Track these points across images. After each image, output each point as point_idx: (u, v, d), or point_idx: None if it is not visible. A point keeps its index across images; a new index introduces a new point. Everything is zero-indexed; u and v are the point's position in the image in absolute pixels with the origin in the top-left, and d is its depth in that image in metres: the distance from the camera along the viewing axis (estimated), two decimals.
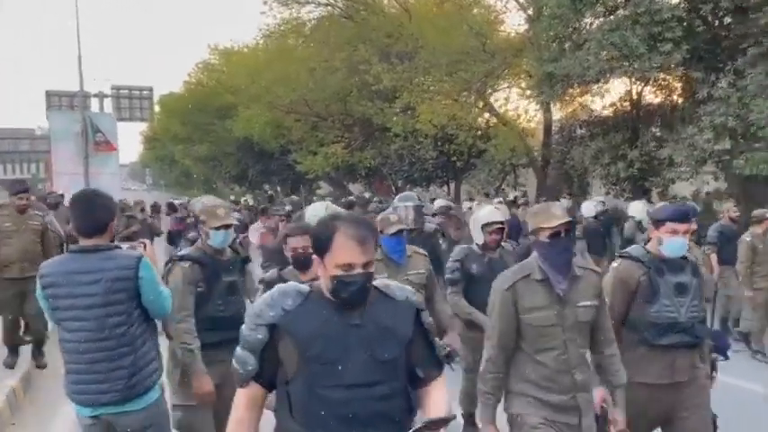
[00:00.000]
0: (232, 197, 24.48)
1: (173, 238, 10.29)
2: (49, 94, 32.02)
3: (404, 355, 2.05)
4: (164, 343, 3.53)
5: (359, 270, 1.96)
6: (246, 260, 4.08)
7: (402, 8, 17.48)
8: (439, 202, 10.25)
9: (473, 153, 18.11)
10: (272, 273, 3.87)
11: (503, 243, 4.83)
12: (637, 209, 9.54)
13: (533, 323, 2.89)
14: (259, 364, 2.01)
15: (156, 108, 38.32)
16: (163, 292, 3.18)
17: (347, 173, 28.12)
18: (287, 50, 20.45)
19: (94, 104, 31.11)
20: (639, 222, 9.00)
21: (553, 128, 16.51)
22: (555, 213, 2.96)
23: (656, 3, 11.66)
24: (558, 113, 15.89)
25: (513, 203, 12.32)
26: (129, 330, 3.04)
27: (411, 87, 16.19)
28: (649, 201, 13.35)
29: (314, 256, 2.07)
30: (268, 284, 3.57)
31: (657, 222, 3.33)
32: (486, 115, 17.85)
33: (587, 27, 12.98)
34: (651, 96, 14.19)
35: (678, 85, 12.91)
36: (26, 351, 6.65)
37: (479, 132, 17.83)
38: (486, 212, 4.82)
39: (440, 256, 6.04)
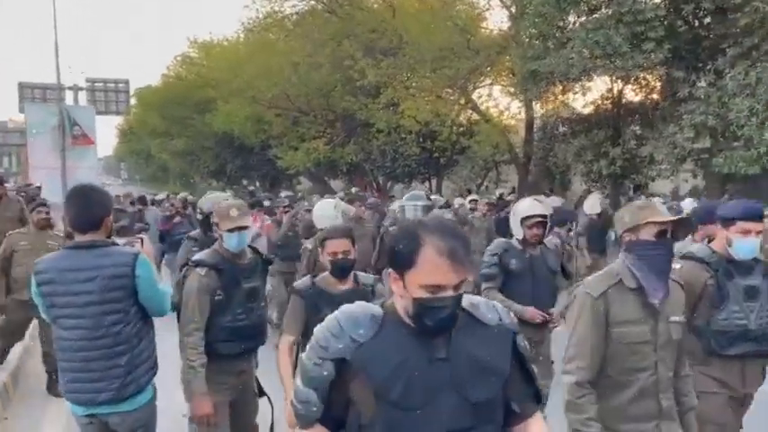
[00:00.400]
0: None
1: (162, 238, 9.94)
2: (22, 86, 31.35)
3: (500, 393, 1.73)
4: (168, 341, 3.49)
5: (449, 293, 1.62)
6: (268, 262, 3.80)
7: (386, 3, 17.48)
8: (434, 199, 10.36)
9: (456, 149, 18.20)
10: (305, 280, 3.41)
11: (545, 239, 4.36)
12: (589, 204, 9.38)
13: (625, 339, 2.48)
14: (325, 405, 1.68)
15: (133, 101, 37.80)
16: (160, 290, 3.10)
17: (328, 168, 28.07)
18: (269, 44, 20.33)
19: (69, 97, 30.56)
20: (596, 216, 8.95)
21: (535, 125, 16.67)
22: (659, 208, 2.59)
23: (639, 2, 11.86)
24: (540, 111, 16.04)
25: (499, 200, 12.37)
26: (125, 329, 2.99)
27: (395, 83, 16.22)
28: (629, 198, 13.63)
29: (389, 271, 1.71)
30: (298, 293, 3.33)
31: (726, 221, 3.02)
32: (470, 112, 17.95)
33: (571, 25, 13.13)
34: (632, 95, 14.42)
35: (659, 84, 13.11)
36: (15, 348, 6.56)
37: (462, 129, 17.93)
38: (525, 205, 4.31)
39: None
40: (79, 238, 3.06)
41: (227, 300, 3.37)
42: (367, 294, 3.22)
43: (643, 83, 13.90)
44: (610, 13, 12.02)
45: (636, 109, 14.31)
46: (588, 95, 14.76)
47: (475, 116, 17.92)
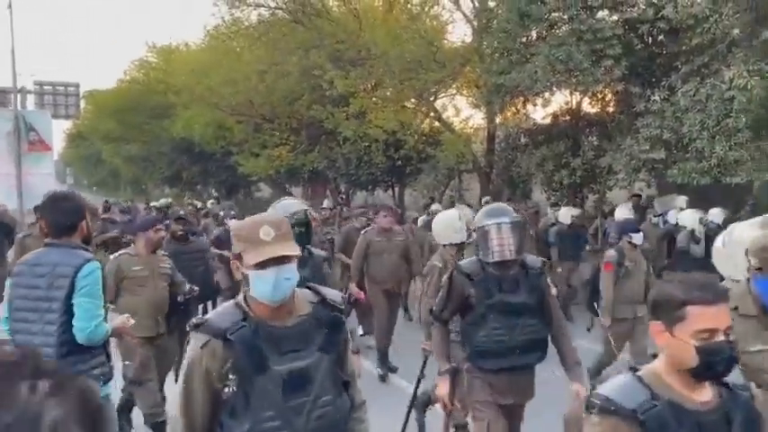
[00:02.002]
0: (189, 201, 23.45)
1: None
2: None
3: None
4: None
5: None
6: (345, 310, 2.30)
7: (351, 14, 17.78)
8: (435, 207, 10.58)
9: (422, 158, 18.63)
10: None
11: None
12: (690, 218, 9.08)
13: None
14: None
15: (83, 104, 37.01)
16: (93, 315, 2.93)
17: (289, 175, 28.15)
18: (234, 52, 20.35)
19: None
20: (692, 232, 8.73)
21: (498, 136, 17.22)
22: None
23: (599, 21, 12.49)
24: (502, 122, 16.57)
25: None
26: (58, 331, 2.93)
27: (363, 93, 16.52)
28: (584, 207, 14.26)
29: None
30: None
31: None
32: (436, 122, 18.40)
33: (534, 41, 13.67)
34: (591, 108, 15.07)
35: (617, 98, 13.76)
36: None
37: (427, 138, 18.36)
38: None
39: None
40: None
41: (245, 397, 1.98)
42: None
43: (601, 97, 14.57)
44: (571, 28, 12.60)
45: (594, 121, 14.98)
46: (548, 107, 15.45)
47: (440, 126, 18.37)
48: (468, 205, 12.19)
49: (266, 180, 30.01)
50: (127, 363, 4.87)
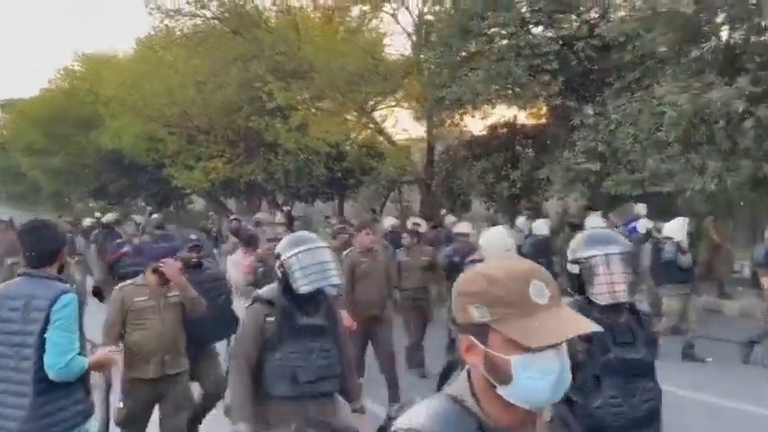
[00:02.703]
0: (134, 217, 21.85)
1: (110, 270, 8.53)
2: None
3: None
4: None
5: None
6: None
7: (291, 26, 17.67)
8: (388, 221, 10.26)
9: (363, 170, 18.68)
10: None
11: None
12: (675, 229, 8.44)
13: None
14: None
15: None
16: (65, 350, 2.77)
17: (225, 188, 27.60)
18: (169, 62, 19.83)
19: None
20: (679, 243, 8.16)
21: (438, 148, 17.47)
22: None
23: (536, 37, 12.90)
24: (442, 134, 16.83)
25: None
26: (34, 367, 2.79)
27: (305, 106, 16.43)
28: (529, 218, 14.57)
29: None
30: None
31: None
32: (377, 134, 18.49)
33: (473, 56, 13.96)
34: (529, 121, 15.50)
35: (553, 112, 14.20)
36: None
37: (370, 151, 18.42)
38: None
39: None
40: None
41: None
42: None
43: (539, 111, 15.01)
44: (511, 43, 12.95)
45: (531, 134, 15.41)
46: (486, 120, 15.82)
47: (381, 138, 18.48)
48: None
49: (200, 192, 29.31)
50: (120, 406, 4.39)
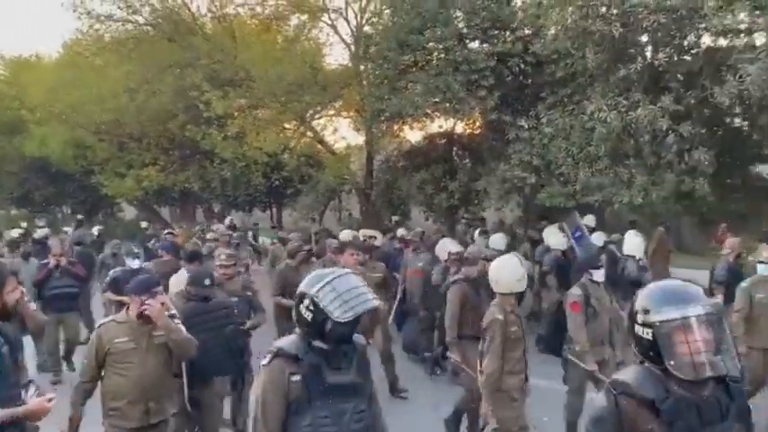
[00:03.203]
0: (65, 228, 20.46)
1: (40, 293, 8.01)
2: None
3: None
4: None
5: None
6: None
7: (227, 34, 17.44)
8: (346, 234, 9.90)
9: (302, 179, 18.63)
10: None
11: None
12: (635, 246, 8.42)
13: None
14: None
15: None
16: None
17: (158, 196, 26.94)
18: (99, 68, 19.17)
19: None
20: (639, 260, 8.12)
21: (378, 158, 17.62)
22: None
23: (473, 52, 13.22)
24: (382, 144, 16.99)
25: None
26: None
27: (243, 115, 16.25)
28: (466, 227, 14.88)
29: None
30: None
31: None
32: (316, 143, 18.48)
33: (412, 69, 14.18)
34: (466, 134, 15.84)
35: (490, 125, 14.55)
36: None
37: (309, 160, 18.40)
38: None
39: None
40: None
41: None
42: None
43: (476, 124, 15.37)
44: (447, 60, 13.22)
45: (469, 147, 15.76)
46: (425, 131, 16.07)
47: (319, 146, 18.48)
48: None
49: (131, 200, 28.46)
50: None
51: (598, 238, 10.13)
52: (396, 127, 15.48)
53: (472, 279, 6.01)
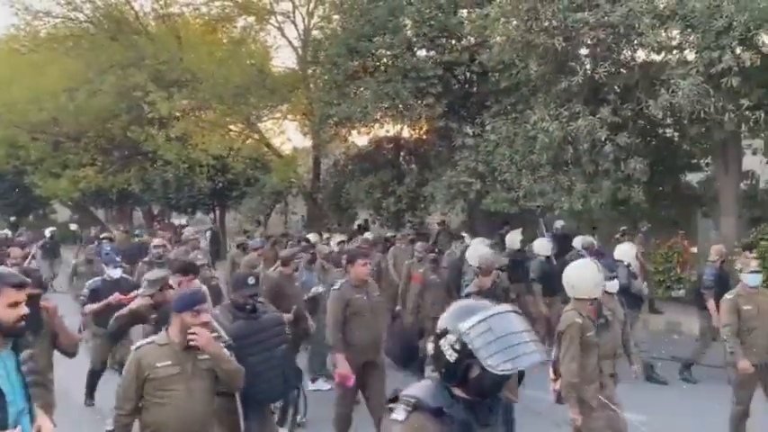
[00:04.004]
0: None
1: None
2: None
3: None
4: None
5: None
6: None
7: (171, 33, 17.16)
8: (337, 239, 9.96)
9: (248, 181, 18.48)
10: None
11: None
12: (625, 252, 8.13)
13: None
14: None
15: None
16: None
17: (95, 197, 26.15)
18: (37, 66, 18.49)
19: None
20: (628, 266, 7.84)
21: (326, 161, 17.69)
22: None
23: (421, 61, 13.50)
24: (329, 149, 17.07)
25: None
26: None
27: (187, 117, 16.04)
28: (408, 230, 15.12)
29: None
30: None
31: None
32: (263, 146, 18.39)
33: (361, 75, 14.35)
34: (414, 140, 16.11)
35: (437, 132, 14.87)
36: None
37: (256, 163, 18.28)
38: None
39: None
40: None
41: None
42: None
43: (423, 130, 15.66)
44: (396, 67, 13.45)
45: (416, 152, 16.04)
46: (373, 136, 16.25)
47: (266, 149, 18.41)
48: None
49: (65, 201, 27.51)
50: None
51: (579, 243, 10.07)
52: (344, 131, 15.60)
53: (486, 290, 5.51)
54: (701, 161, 13.64)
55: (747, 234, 11.38)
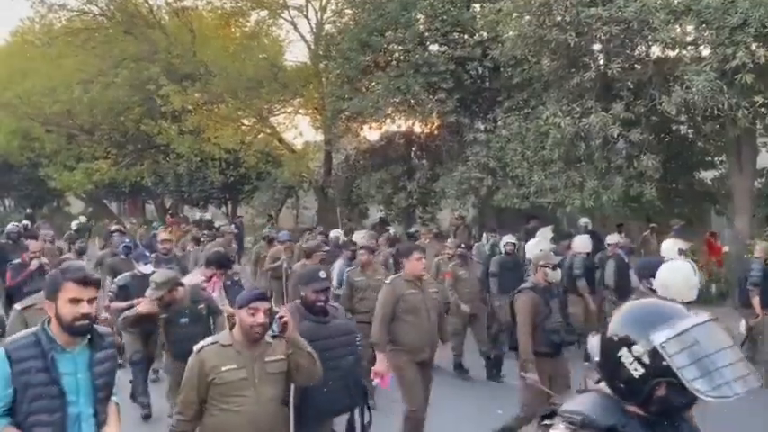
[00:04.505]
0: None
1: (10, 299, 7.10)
2: None
3: None
4: None
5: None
6: None
7: (185, 27, 17.25)
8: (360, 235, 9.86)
9: (260, 175, 18.56)
10: None
11: None
12: (671, 249, 7.51)
13: None
14: None
15: None
16: None
17: (108, 190, 26.36)
18: (51, 58, 18.66)
19: None
20: None
21: (337, 156, 17.72)
22: None
23: (433, 56, 13.47)
24: (341, 144, 17.09)
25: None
26: None
27: (201, 110, 16.12)
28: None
29: None
30: None
31: None
32: (275, 141, 18.46)
33: (373, 70, 14.35)
34: (425, 135, 16.09)
35: (448, 128, 14.83)
36: None
37: (268, 157, 18.35)
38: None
39: None
40: None
41: None
42: None
43: (434, 125, 15.63)
44: (408, 62, 13.44)
45: (427, 148, 16.02)
46: (384, 131, 16.25)
47: (278, 145, 18.47)
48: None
49: (79, 194, 27.77)
50: None
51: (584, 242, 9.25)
52: (356, 126, 15.61)
53: (542, 287, 5.27)
54: (715, 158, 13.50)
55: (761, 233, 11.27)
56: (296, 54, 25.43)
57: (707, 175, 14.09)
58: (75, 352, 2.67)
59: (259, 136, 18.25)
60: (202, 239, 11.70)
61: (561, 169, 11.87)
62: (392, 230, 12.40)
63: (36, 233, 12.56)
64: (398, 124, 15.78)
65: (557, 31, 10.82)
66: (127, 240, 9.10)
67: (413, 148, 16.17)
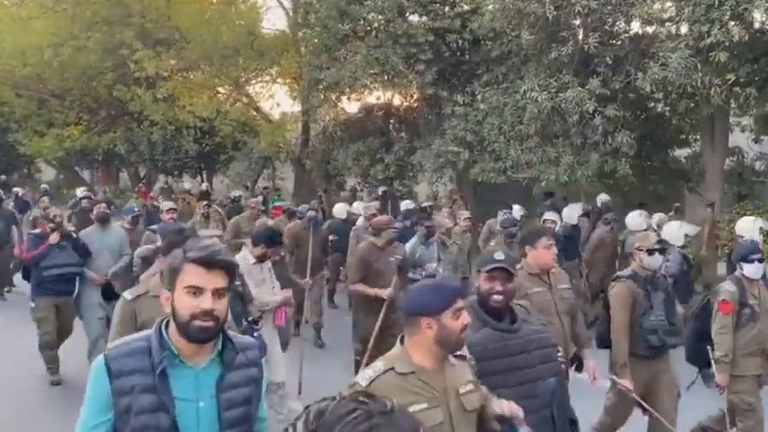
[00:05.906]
0: None
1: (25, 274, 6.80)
2: None
3: None
4: None
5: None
6: None
7: None
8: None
9: (236, 145, 18.33)
10: None
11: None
12: (677, 234, 7.25)
13: None
14: None
15: None
16: None
17: (80, 158, 25.88)
18: (22, 20, 18.06)
19: None
20: (683, 248, 7.09)
21: (315, 127, 17.56)
22: None
23: (413, 27, 13.34)
24: (319, 114, 16.93)
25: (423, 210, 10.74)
26: None
27: (176, 77, 15.81)
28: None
29: None
30: None
31: None
32: (251, 110, 18.21)
33: (351, 39, 14.16)
34: (403, 107, 15.99)
35: (427, 100, 14.76)
36: None
37: (244, 126, 18.11)
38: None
39: None
40: None
41: None
42: None
43: (413, 98, 15.54)
44: (387, 33, 13.29)
45: (406, 120, 15.94)
46: (362, 102, 16.13)
47: (254, 114, 18.24)
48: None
49: (50, 161, 27.22)
50: None
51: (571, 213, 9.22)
52: (333, 97, 15.45)
53: (643, 277, 4.43)
54: (689, 137, 13.66)
55: (730, 210, 11.47)
56: (274, 21, 24.99)
57: (681, 153, 14.26)
58: (198, 368, 1.92)
59: (235, 105, 18.01)
60: (211, 214, 10.35)
61: (538, 144, 11.92)
62: (410, 204, 11.59)
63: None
64: (377, 96, 15.70)
65: (536, 3, 10.77)
66: (136, 209, 8.55)
67: (391, 121, 16.07)
